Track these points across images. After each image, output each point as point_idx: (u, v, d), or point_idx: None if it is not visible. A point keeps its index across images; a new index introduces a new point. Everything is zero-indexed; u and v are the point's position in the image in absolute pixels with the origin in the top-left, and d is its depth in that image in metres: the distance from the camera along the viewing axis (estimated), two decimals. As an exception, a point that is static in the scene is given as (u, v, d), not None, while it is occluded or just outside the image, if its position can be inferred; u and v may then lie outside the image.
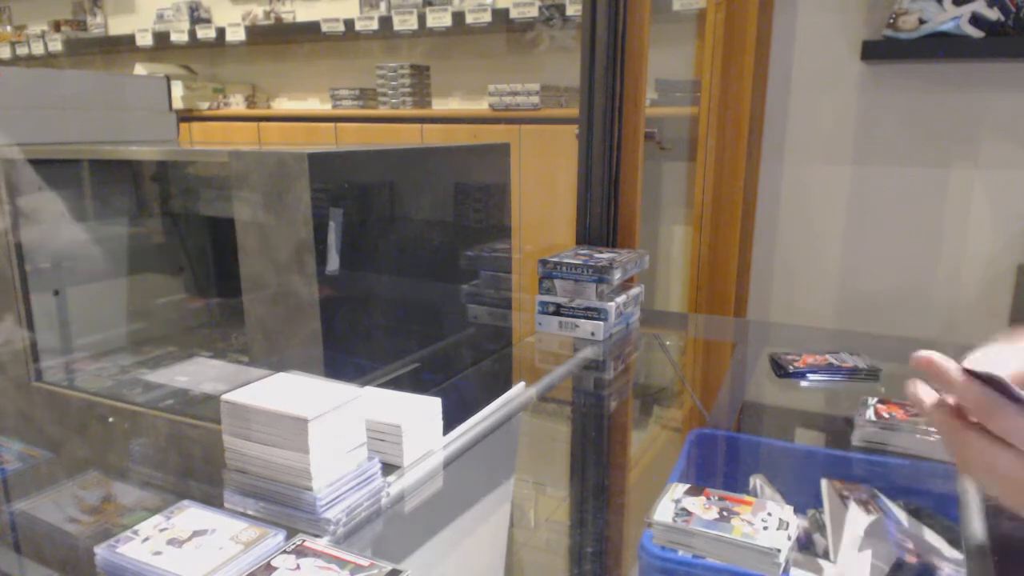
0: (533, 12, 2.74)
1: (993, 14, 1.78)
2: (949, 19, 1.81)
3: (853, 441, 1.00)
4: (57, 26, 4.18)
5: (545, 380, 1.23)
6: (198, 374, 1.33)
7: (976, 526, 0.79)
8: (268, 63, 3.73)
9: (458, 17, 2.90)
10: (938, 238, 2.03)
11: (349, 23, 3.14)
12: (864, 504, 0.90)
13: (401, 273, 1.17)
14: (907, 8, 1.84)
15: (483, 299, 1.38)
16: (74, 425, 1.24)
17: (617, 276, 1.40)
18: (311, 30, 3.27)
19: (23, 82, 1.38)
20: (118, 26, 4.12)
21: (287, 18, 3.46)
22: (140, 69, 3.68)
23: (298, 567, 0.63)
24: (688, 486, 0.81)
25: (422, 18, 2.98)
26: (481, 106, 2.97)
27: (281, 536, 0.68)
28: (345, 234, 1.00)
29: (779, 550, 0.70)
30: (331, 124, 3.14)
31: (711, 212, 2.05)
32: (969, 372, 0.52)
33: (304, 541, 0.67)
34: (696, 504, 0.77)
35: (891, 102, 2.02)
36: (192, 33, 3.58)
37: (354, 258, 1.03)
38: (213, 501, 0.74)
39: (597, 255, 1.45)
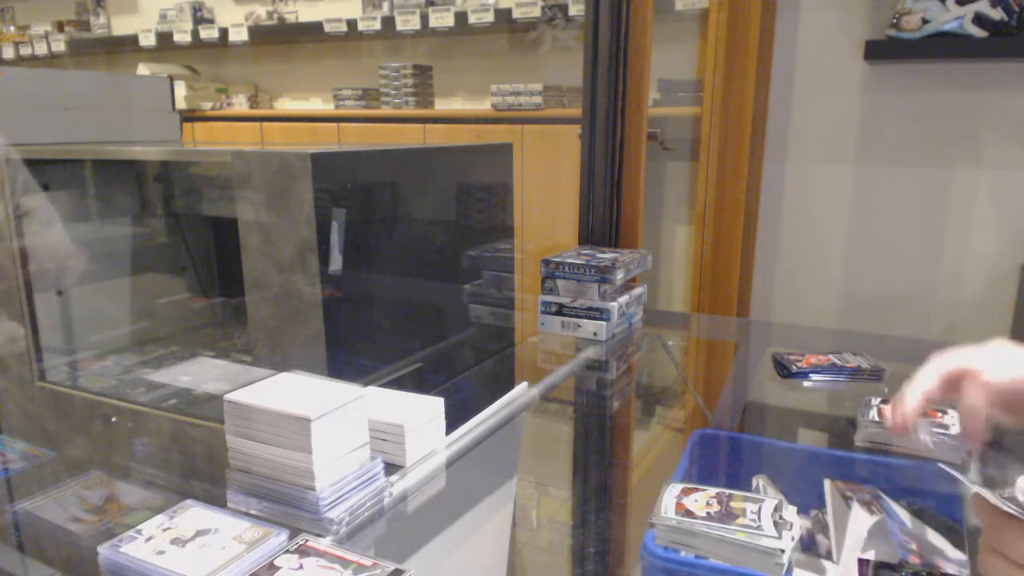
0: (536, 12, 2.73)
1: (996, 14, 1.77)
2: (952, 19, 1.81)
3: (856, 441, 1.00)
4: (60, 26, 4.19)
5: (547, 380, 1.23)
6: (201, 374, 1.33)
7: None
8: (271, 63, 3.73)
9: (461, 17, 2.90)
10: (941, 238, 2.03)
11: (352, 23, 3.14)
12: (867, 505, 0.89)
13: (404, 273, 1.17)
14: (910, 8, 1.84)
15: (485, 299, 1.37)
16: (77, 425, 1.24)
17: (620, 276, 1.39)
18: (314, 30, 3.27)
19: (26, 82, 1.39)
20: (121, 26, 4.12)
21: (290, 18, 3.47)
22: (143, 69, 3.69)
23: (301, 567, 0.63)
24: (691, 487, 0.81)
25: (425, 18, 2.98)
26: (484, 106, 2.97)
27: (284, 536, 0.68)
28: (348, 234, 1.00)
29: (782, 550, 0.70)
30: (334, 124, 3.14)
31: (714, 212, 2.05)
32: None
33: (307, 541, 0.67)
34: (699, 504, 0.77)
35: (894, 102, 2.02)
36: (195, 33, 3.58)
37: (357, 258, 1.04)
38: (216, 501, 0.74)
39: (600, 255, 1.45)
